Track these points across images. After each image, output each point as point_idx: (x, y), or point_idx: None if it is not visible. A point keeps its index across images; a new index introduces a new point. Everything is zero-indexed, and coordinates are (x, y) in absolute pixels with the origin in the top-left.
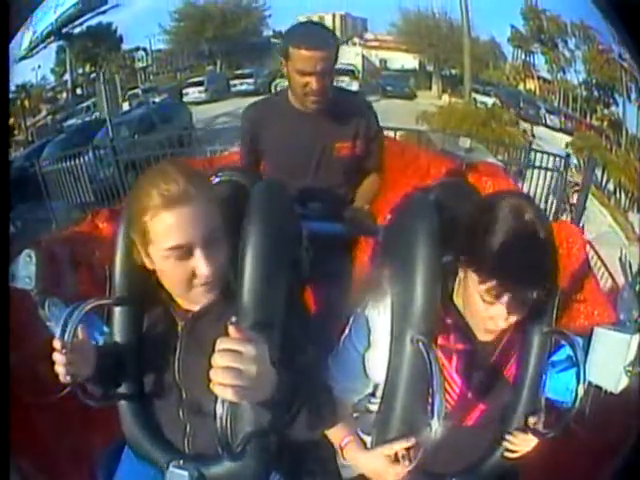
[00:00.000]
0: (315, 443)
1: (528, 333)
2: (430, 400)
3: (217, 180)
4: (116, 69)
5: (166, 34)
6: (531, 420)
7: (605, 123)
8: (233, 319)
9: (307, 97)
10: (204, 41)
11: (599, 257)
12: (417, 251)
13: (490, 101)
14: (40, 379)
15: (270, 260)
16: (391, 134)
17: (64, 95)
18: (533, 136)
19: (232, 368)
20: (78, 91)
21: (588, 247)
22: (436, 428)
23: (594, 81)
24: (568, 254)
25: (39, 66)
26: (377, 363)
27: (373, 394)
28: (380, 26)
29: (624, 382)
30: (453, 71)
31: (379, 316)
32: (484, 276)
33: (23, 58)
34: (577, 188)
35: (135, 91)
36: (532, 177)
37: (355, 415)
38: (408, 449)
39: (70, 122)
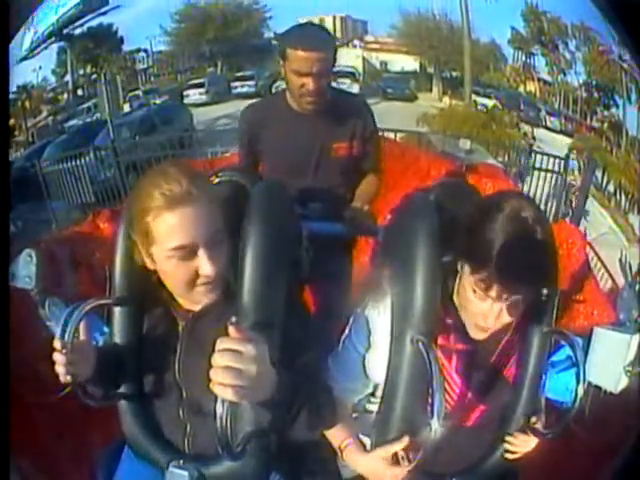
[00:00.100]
0: (315, 443)
1: (528, 333)
2: (430, 400)
3: (217, 180)
4: (117, 70)
5: (167, 35)
6: (531, 420)
7: (605, 125)
8: (233, 319)
9: (303, 98)
10: (205, 43)
11: (599, 258)
12: (417, 251)
13: (490, 103)
14: (40, 379)
15: (270, 260)
16: (392, 136)
17: (65, 96)
18: (533, 138)
19: (232, 368)
20: (79, 92)
21: (588, 248)
22: (436, 428)
23: (594, 83)
24: (568, 255)
25: (40, 67)
26: (377, 363)
27: (373, 394)
28: (380, 28)
29: (624, 382)
30: (453, 73)
31: (379, 316)
32: (477, 267)
33: (24, 59)
34: (577, 190)
35: (136, 92)
36: (532, 178)
37: (355, 415)
38: (407, 450)
39: (71, 123)
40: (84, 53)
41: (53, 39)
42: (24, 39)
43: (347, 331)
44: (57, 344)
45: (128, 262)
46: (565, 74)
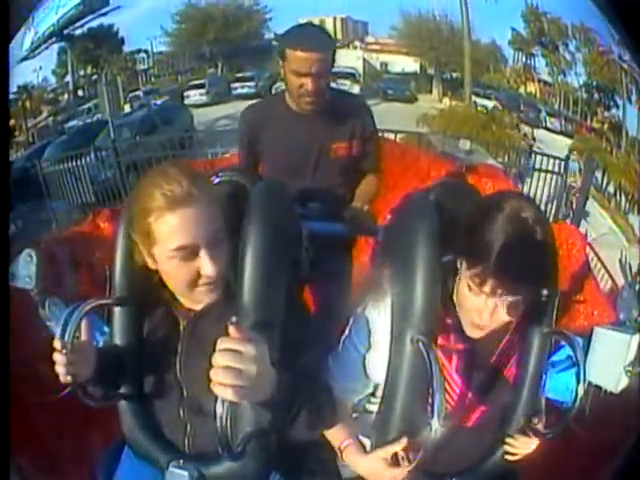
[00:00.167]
0: (315, 443)
1: (528, 333)
2: (430, 400)
3: (217, 180)
4: (118, 71)
5: (167, 36)
6: (531, 420)
7: (606, 126)
8: (233, 319)
9: (302, 98)
10: (205, 43)
11: (599, 259)
12: (417, 251)
13: (490, 104)
14: (40, 379)
15: (270, 260)
16: (392, 136)
17: (65, 96)
18: (534, 139)
19: (232, 368)
20: (79, 93)
21: (588, 248)
22: (436, 428)
23: (594, 83)
24: (568, 255)
25: (40, 67)
26: (377, 363)
27: (373, 394)
28: (381, 29)
29: (624, 382)
30: (454, 74)
31: (379, 316)
32: (472, 262)
33: (24, 59)
34: (577, 191)
35: (136, 93)
36: (532, 179)
37: (355, 415)
38: (407, 450)
39: (71, 123)
40: (85, 54)
41: (53, 39)
42: (24, 39)
43: (347, 331)
44: (57, 344)
45: (128, 262)
46: (565, 75)
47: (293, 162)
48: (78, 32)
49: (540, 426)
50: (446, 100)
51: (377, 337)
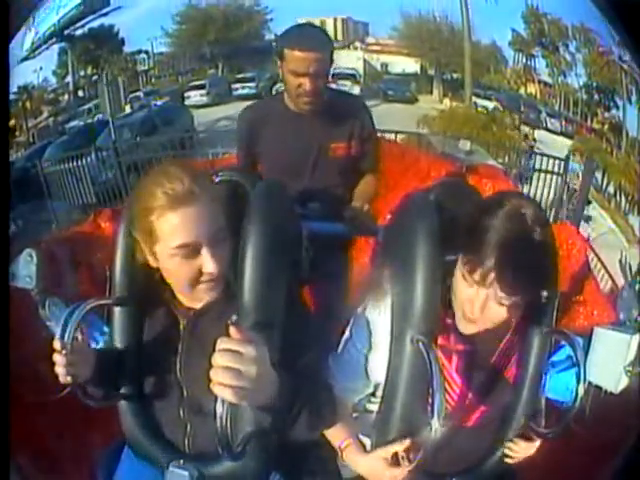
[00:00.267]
0: (315, 443)
1: (528, 334)
2: (430, 400)
3: (217, 180)
4: (118, 71)
5: (168, 37)
6: (531, 421)
7: (606, 126)
8: (234, 318)
9: (300, 98)
10: (206, 44)
11: (599, 259)
12: (417, 251)
13: (491, 105)
14: (40, 379)
15: (270, 260)
16: (392, 137)
17: (66, 97)
18: (534, 140)
19: (232, 368)
20: (80, 93)
21: (588, 249)
22: (436, 428)
23: (595, 84)
24: (568, 256)
25: (41, 67)
26: (378, 363)
27: (373, 394)
28: (381, 30)
29: (624, 382)
30: (454, 75)
31: (380, 316)
32: (469, 254)
33: (25, 59)
34: (577, 191)
35: (137, 94)
36: (532, 180)
37: (355, 415)
38: (408, 450)
39: (72, 124)
40: (85, 54)
41: (54, 40)
42: (25, 39)
43: (348, 331)
44: (57, 345)
45: (128, 261)
46: (565, 76)
47: (292, 162)
48: (79, 32)
49: (540, 426)
50: (446, 101)
51: (377, 337)
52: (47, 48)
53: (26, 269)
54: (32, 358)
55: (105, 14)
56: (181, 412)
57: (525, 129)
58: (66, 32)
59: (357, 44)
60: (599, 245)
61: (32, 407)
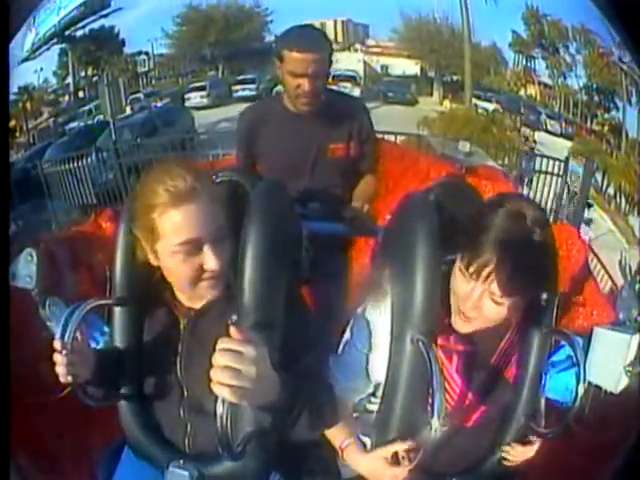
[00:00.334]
0: (315, 443)
1: (528, 334)
2: (430, 400)
3: (217, 181)
4: (118, 73)
5: (168, 38)
6: (531, 421)
7: (606, 128)
8: (234, 317)
9: (299, 99)
10: (206, 46)
11: (599, 260)
12: (417, 251)
13: (491, 107)
14: (40, 379)
15: (270, 260)
16: (391, 138)
17: (66, 98)
18: (534, 142)
19: (232, 368)
20: (80, 94)
21: (588, 250)
22: (436, 427)
23: (595, 86)
24: (568, 256)
25: (41, 68)
26: (378, 363)
27: (374, 394)
28: (382, 32)
29: (624, 382)
30: (454, 77)
31: (380, 316)
32: (467, 252)
33: (25, 60)
34: (577, 192)
35: (137, 95)
36: (532, 181)
37: (355, 415)
38: (408, 450)
39: (72, 125)
40: (85, 55)
41: (54, 41)
42: (25, 40)
43: (348, 331)
44: (57, 345)
45: (129, 261)
46: (566, 77)
47: (291, 162)
48: (79, 33)
49: (540, 426)
50: (447, 103)
51: (378, 337)
52: (47, 49)
53: (26, 269)
54: (32, 358)
55: (105, 15)
56: (181, 412)
57: (525, 131)
58: (67, 33)
59: (357, 46)
60: (599, 246)
61: (32, 407)
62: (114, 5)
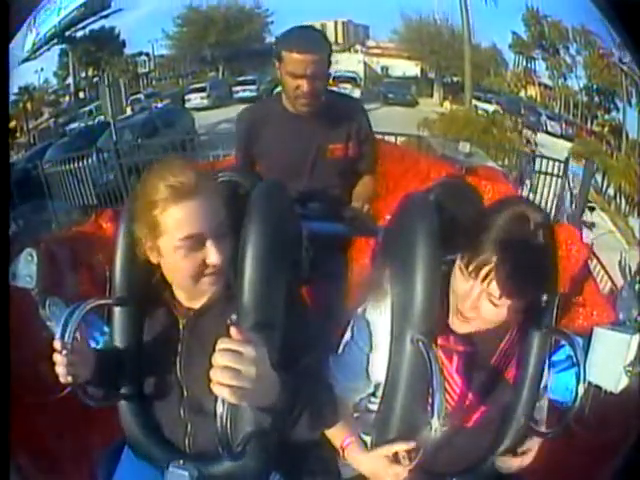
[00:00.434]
0: (315, 442)
1: (528, 334)
2: (430, 399)
3: (218, 181)
4: (119, 74)
5: (169, 39)
6: (531, 421)
7: (606, 129)
8: (233, 317)
9: (298, 99)
10: (207, 47)
11: (599, 261)
12: (417, 251)
13: (491, 108)
14: (40, 379)
15: (270, 260)
16: (392, 139)
17: (67, 99)
18: (535, 143)
19: (231, 368)
20: (80, 95)
21: (587, 250)
22: (436, 427)
23: (595, 86)
24: (567, 256)
25: (42, 69)
26: (378, 363)
27: (374, 394)
28: (382, 33)
29: (624, 382)
30: (454, 78)
31: (380, 316)
32: (468, 251)
33: (26, 60)
34: (577, 193)
35: (137, 96)
36: (532, 181)
37: (356, 415)
38: (408, 450)
39: (73, 126)
40: (86, 56)
41: (55, 41)
42: (26, 40)
43: (349, 331)
44: (57, 345)
45: (129, 261)
46: (566, 78)
47: (290, 163)
48: (79, 34)
49: (540, 426)
50: (447, 104)
51: (378, 337)
52: (48, 49)
53: (26, 269)
54: (32, 358)
55: (106, 16)
56: (181, 412)
57: (525, 132)
58: (67, 34)
59: (358, 47)
60: (599, 246)
61: (32, 407)
62: (114, 6)
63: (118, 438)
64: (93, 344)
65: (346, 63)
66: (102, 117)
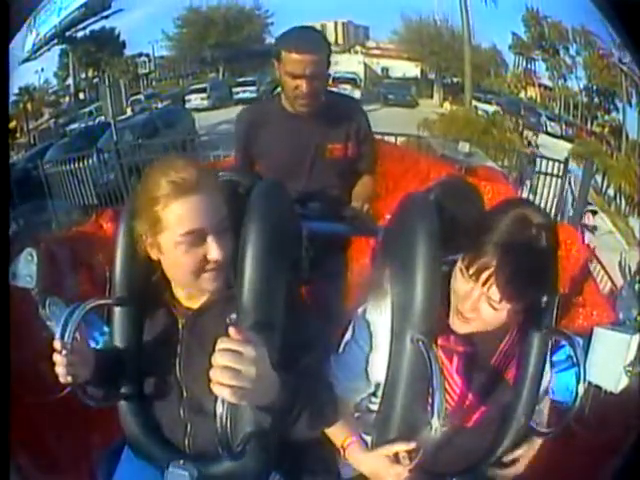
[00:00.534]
0: (315, 442)
1: (528, 335)
2: (430, 399)
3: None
4: (119, 74)
5: (169, 40)
6: (531, 421)
7: (606, 129)
8: (233, 317)
9: (297, 100)
10: (207, 47)
11: (599, 261)
12: (417, 251)
13: (491, 109)
14: (40, 379)
15: (270, 260)
16: (392, 139)
17: (67, 99)
18: (535, 144)
19: (231, 368)
20: (81, 95)
21: (587, 250)
22: (436, 427)
23: (595, 87)
24: (567, 256)
25: (42, 69)
26: (379, 363)
27: (374, 394)
28: (382, 34)
29: (624, 382)
30: (454, 79)
31: (380, 317)
32: (469, 252)
33: (26, 60)
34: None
35: (138, 97)
36: (532, 182)
37: (357, 415)
38: (408, 450)
39: (73, 126)
40: (86, 56)
41: (55, 41)
42: (26, 41)
43: (349, 331)
44: (57, 345)
45: (129, 261)
46: (566, 79)
47: (289, 163)
48: (80, 35)
49: (540, 426)
50: (447, 105)
51: (378, 337)
52: (48, 50)
53: (26, 269)
54: (32, 358)
55: (106, 17)
56: (181, 412)
57: (525, 133)
58: (67, 34)
59: (357, 48)
60: (599, 247)
61: (32, 407)
62: (115, 6)
63: (118, 438)
64: (93, 344)
65: (346, 64)
66: (102, 118)
